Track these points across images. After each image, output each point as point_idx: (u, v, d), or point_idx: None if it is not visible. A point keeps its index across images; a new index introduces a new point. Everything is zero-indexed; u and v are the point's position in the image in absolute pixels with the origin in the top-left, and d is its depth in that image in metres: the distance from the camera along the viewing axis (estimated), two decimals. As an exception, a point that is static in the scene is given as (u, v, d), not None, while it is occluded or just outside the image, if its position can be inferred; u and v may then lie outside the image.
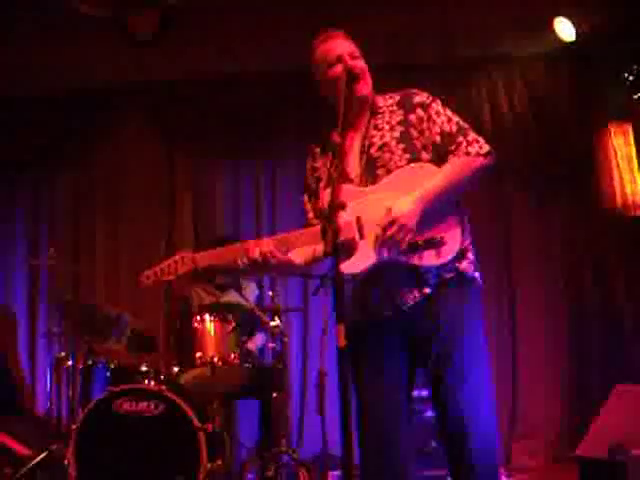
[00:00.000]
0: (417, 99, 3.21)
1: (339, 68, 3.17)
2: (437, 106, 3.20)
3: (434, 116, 3.16)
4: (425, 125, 3.15)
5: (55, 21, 6.20)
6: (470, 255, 3.11)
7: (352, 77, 3.14)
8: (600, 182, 6.28)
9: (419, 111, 3.17)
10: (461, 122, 3.18)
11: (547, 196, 6.55)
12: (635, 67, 5.80)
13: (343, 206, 2.75)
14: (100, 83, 6.84)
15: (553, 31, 6.06)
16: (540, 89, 6.55)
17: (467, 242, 3.10)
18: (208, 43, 6.46)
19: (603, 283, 6.34)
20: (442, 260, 3.00)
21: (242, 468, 5.30)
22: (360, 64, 3.19)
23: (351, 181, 3.13)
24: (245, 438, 5.56)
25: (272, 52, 6.46)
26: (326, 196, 3.06)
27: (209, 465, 4.45)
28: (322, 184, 3.27)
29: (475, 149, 3.11)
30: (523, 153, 6.48)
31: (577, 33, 5.99)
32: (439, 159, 3.11)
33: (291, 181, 6.71)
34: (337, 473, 5.73)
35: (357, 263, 2.82)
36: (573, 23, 5.97)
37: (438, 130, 3.14)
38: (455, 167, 3.08)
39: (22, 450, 5.88)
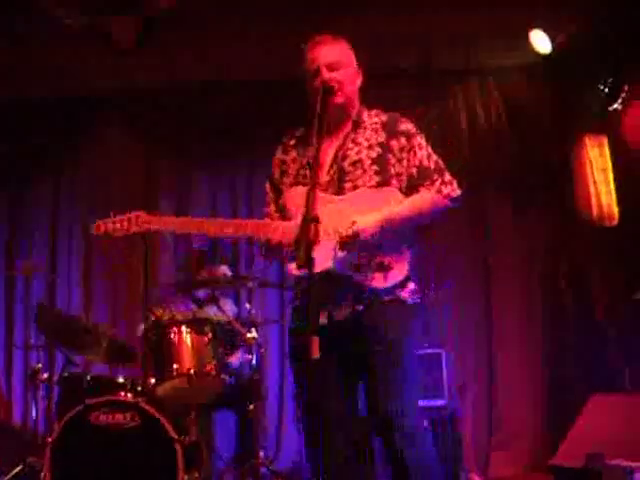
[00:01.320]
0: (402, 127, 3.26)
1: (317, 82, 3.20)
2: (421, 139, 3.26)
3: (416, 148, 3.22)
4: (405, 155, 3.21)
5: (37, 27, 6.17)
6: (411, 285, 3.18)
7: (326, 91, 3.16)
8: (576, 193, 6.32)
9: (402, 139, 3.23)
10: (439, 161, 3.26)
11: (524, 204, 6.58)
12: (610, 79, 5.84)
13: (317, 220, 2.77)
14: (83, 89, 6.79)
15: (530, 43, 6.09)
16: (517, 100, 6.60)
17: (411, 272, 3.16)
18: (189, 49, 6.46)
19: (580, 287, 6.38)
20: (386, 284, 3.08)
21: (219, 479, 5.29)
22: (338, 77, 3.21)
23: (319, 185, 3.14)
24: (222, 449, 5.54)
25: (254, 59, 6.47)
26: (292, 197, 3.12)
27: (186, 477, 4.44)
28: (287, 180, 3.32)
29: (447, 190, 3.20)
30: (501, 162, 6.52)
31: (553, 45, 6.03)
32: (408, 190, 3.19)
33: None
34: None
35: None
36: (549, 35, 6.01)
37: (417, 163, 3.20)
38: (424, 200, 3.17)
39: (-4, 462, 5.84)
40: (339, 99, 3.21)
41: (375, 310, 3.09)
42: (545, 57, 6.17)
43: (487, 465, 6.22)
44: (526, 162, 6.50)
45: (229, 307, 5.62)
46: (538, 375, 6.41)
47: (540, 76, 6.49)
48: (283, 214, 3.30)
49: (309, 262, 2.67)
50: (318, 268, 2.92)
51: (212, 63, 6.54)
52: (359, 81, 3.32)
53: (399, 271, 3.09)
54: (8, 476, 5.31)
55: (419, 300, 3.21)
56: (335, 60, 3.22)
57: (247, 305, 5.32)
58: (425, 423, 3.30)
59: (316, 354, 2.65)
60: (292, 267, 2.90)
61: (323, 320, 3.06)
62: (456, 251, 6.51)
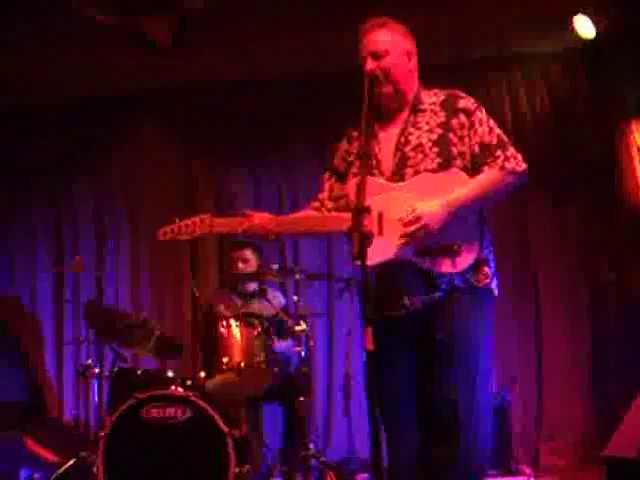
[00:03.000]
0: (462, 103, 3.18)
1: (365, 70, 3.18)
2: (481, 114, 3.17)
3: (477, 124, 3.14)
4: (466, 132, 3.13)
5: (70, 27, 6.21)
6: (486, 268, 3.11)
7: (372, 81, 3.14)
8: (621, 180, 6.23)
9: (462, 117, 3.15)
10: (502, 135, 3.16)
11: (563, 197, 6.51)
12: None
13: (368, 211, 2.77)
14: (116, 88, 6.86)
15: (571, 29, 6.02)
16: (558, 88, 6.52)
17: (485, 254, 3.10)
18: (222, 49, 6.45)
19: (620, 283, 6.30)
20: (456, 269, 3.01)
21: (268, 472, 5.31)
22: (384, 64, 3.16)
23: (382, 174, 3.14)
24: (271, 441, 5.57)
25: (288, 55, 6.46)
26: (352, 187, 3.09)
27: (237, 469, 4.45)
28: (353, 171, 3.28)
29: (511, 165, 3.10)
30: (541, 153, 6.44)
31: (597, 29, 5.95)
32: (473, 168, 3.11)
33: (309, 181, 6.74)
34: (365, 476, 5.75)
35: (371, 257, 2.75)
36: (592, 20, 5.93)
37: (478, 140, 3.12)
38: (488, 180, 3.08)
39: (50, 456, 5.93)
40: (387, 88, 3.17)
41: (446, 296, 3.04)
42: (587, 43, 6.09)
43: (537, 456, 6.19)
44: (566, 153, 6.43)
45: (278, 298, 5.63)
46: (585, 366, 6.35)
47: (581, 63, 6.42)
48: (338, 204, 3.30)
49: (362, 254, 2.67)
50: (382, 258, 2.94)
51: (244, 62, 6.53)
52: (412, 63, 3.25)
53: (469, 255, 3.01)
54: (61, 470, 5.39)
55: (493, 284, 3.13)
56: (380, 48, 3.17)
57: (295, 297, 5.32)
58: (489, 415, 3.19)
59: (371, 346, 2.64)
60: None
61: (396, 312, 3.05)
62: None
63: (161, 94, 6.94)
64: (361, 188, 2.80)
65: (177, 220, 3.32)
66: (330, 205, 3.34)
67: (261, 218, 3.23)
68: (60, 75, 6.67)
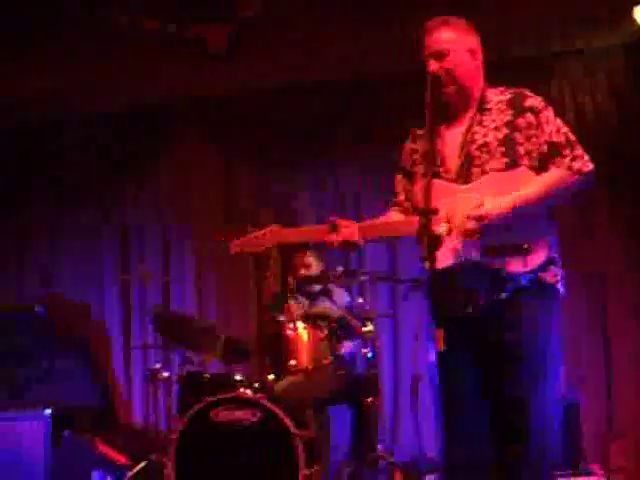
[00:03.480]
0: (529, 102, 3.14)
1: (428, 71, 3.17)
2: (548, 113, 3.12)
3: (544, 123, 3.09)
4: (533, 131, 3.08)
5: (119, 37, 6.30)
6: (554, 267, 3.06)
7: (434, 82, 3.11)
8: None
9: (529, 116, 3.10)
10: (569, 134, 3.11)
11: (628, 196, 6.41)
12: None
13: (436, 212, 2.77)
14: (162, 99, 6.99)
15: (632, 21, 5.92)
16: (620, 83, 6.43)
17: (553, 253, 3.05)
18: (269, 52, 6.50)
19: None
20: (526, 268, 2.97)
21: (337, 473, 5.32)
22: (446, 64, 3.13)
23: (447, 173, 3.12)
24: (338, 442, 5.58)
25: (333, 62, 6.48)
26: (420, 190, 3.08)
27: (306, 471, 4.47)
28: (419, 170, 3.26)
29: (578, 165, 3.05)
30: (603, 152, 6.34)
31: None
32: (540, 168, 3.06)
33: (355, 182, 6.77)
34: (433, 476, 5.72)
35: (441, 259, 2.76)
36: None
37: (546, 139, 3.07)
38: (554, 179, 3.04)
39: (121, 460, 6.03)
40: (450, 88, 3.14)
41: (515, 296, 2.99)
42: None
43: (607, 456, 6.11)
44: (627, 152, 6.33)
45: (343, 297, 5.63)
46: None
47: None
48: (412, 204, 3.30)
49: (431, 255, 2.67)
50: (451, 259, 2.94)
51: (290, 64, 6.57)
52: (477, 61, 3.20)
53: (539, 254, 2.98)
54: (132, 472, 5.48)
55: (560, 283, 3.09)
56: (441, 48, 3.14)
57: (360, 299, 5.33)
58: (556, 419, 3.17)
59: (442, 346, 2.64)
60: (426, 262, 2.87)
61: (463, 311, 3.02)
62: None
63: (206, 104, 7.05)
64: (427, 190, 2.80)
65: (248, 232, 3.33)
66: (408, 206, 3.33)
67: (347, 227, 3.18)
68: (107, 88, 6.82)
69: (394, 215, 3.37)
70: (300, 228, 3.36)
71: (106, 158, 7.21)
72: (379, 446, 5.09)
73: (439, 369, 2.97)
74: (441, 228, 2.97)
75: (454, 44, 3.16)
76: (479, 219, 2.95)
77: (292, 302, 5.58)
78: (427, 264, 2.68)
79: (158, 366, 5.54)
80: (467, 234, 2.98)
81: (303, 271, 5.56)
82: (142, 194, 7.32)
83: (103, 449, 6.09)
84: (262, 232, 3.28)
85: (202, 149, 7.20)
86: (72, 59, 6.32)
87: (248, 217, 6.75)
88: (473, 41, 3.22)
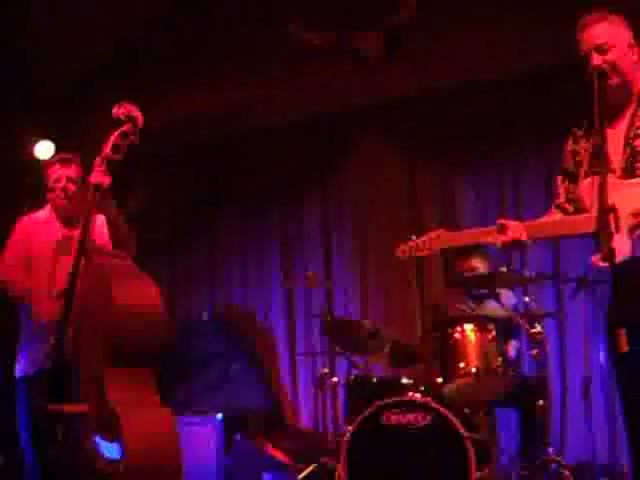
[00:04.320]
0: None
1: (590, 67, 3.13)
2: None
3: None
4: None
5: (288, 52, 6.45)
6: None
7: (600, 76, 3.07)
8: None
9: None
10: None
11: None
12: None
13: (613, 210, 2.73)
14: (336, 106, 7.07)
15: None
16: None
17: None
18: (436, 55, 6.49)
19: None
20: None
21: (505, 476, 5.26)
22: (610, 58, 3.10)
23: (612, 171, 3.07)
24: (505, 445, 5.53)
25: (502, 58, 6.40)
26: (586, 188, 3.05)
27: (478, 474, 4.44)
28: (582, 170, 3.23)
29: None
30: None
31: None
32: None
33: (533, 182, 6.66)
34: (605, 481, 5.59)
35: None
36: None
37: None
38: None
39: (289, 462, 6.17)
40: (614, 81, 3.10)
41: None
42: None
43: None
44: None
45: (510, 299, 5.58)
46: None
47: None
48: (576, 205, 3.25)
49: (610, 253, 2.64)
50: (621, 256, 2.85)
51: (460, 65, 6.53)
52: (635, 56, 3.17)
53: None
54: (302, 474, 5.61)
55: None
56: (603, 41, 3.11)
57: (526, 299, 5.26)
58: None
59: (625, 348, 2.60)
60: (596, 259, 2.84)
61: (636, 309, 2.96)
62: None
63: (383, 109, 7.09)
64: (603, 187, 2.77)
65: (414, 237, 3.38)
66: (571, 208, 3.30)
67: (515, 227, 3.19)
68: (281, 102, 7.00)
69: (555, 215, 3.34)
70: (467, 231, 3.38)
71: (283, 166, 7.46)
72: (549, 449, 5.01)
73: (620, 371, 2.91)
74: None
75: (616, 38, 3.14)
76: None
77: (458, 304, 5.59)
78: (607, 262, 2.65)
79: (326, 370, 5.64)
80: (635, 231, 2.92)
81: (469, 274, 5.54)
82: (307, 201, 7.50)
83: (272, 452, 6.26)
84: (430, 237, 3.32)
85: (380, 155, 7.30)
86: (246, 77, 6.55)
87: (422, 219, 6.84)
88: (630, 36, 3.20)
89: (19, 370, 4.33)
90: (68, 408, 3.63)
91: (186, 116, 6.92)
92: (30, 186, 5.58)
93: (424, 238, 3.35)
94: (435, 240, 3.33)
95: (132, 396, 3.57)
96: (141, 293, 3.73)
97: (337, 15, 6.18)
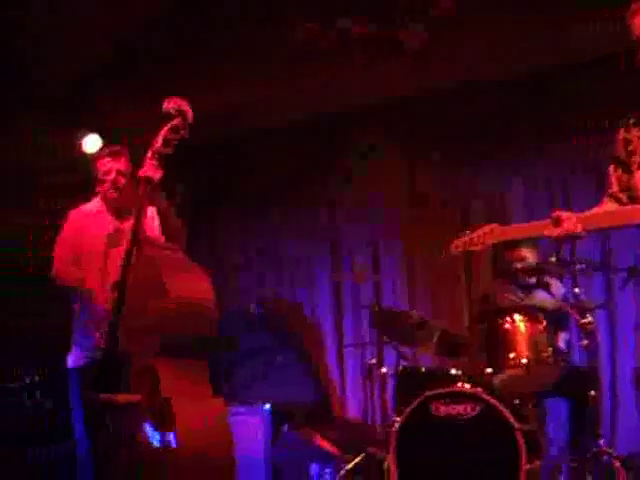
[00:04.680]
0: None
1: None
2: None
3: None
4: None
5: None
6: None
7: None
8: None
9: None
10: None
11: None
12: None
13: None
14: (337, 105, 7.11)
15: None
16: None
17: None
18: (436, 55, 6.44)
19: None
20: None
21: (554, 467, 5.23)
22: None
23: None
24: (554, 436, 5.49)
25: (502, 58, 6.40)
26: None
27: (528, 466, 4.41)
28: (636, 159, 3.20)
29: None
30: None
31: None
32: None
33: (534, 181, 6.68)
34: (658, 473, 5.52)
35: None
36: None
37: None
38: None
39: (336, 452, 6.18)
40: None
41: None
42: None
43: None
44: None
45: (559, 289, 5.54)
46: None
47: None
48: (630, 194, 3.22)
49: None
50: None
51: (460, 65, 6.53)
52: None
53: None
54: (350, 465, 5.62)
55: None
56: None
57: (576, 290, 5.21)
58: None
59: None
60: None
61: None
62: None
63: (384, 109, 7.11)
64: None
65: (468, 232, 3.38)
66: (625, 197, 3.27)
67: (569, 219, 3.18)
68: (282, 99, 7.04)
69: (609, 207, 3.31)
70: (521, 225, 3.38)
71: (311, 160, 7.43)
72: (600, 441, 4.97)
73: None
74: None
75: None
76: None
77: (507, 294, 5.55)
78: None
79: (374, 361, 5.65)
80: None
81: (518, 266, 5.48)
82: (348, 194, 7.50)
83: (320, 442, 6.27)
84: (482, 231, 3.33)
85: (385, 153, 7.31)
86: (250, 76, 6.57)
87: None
88: None
89: (72, 361, 4.38)
90: (122, 398, 3.66)
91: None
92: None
93: (478, 233, 3.36)
94: (488, 234, 3.33)
95: (184, 387, 3.61)
96: (194, 285, 3.76)
97: (380, 7, 6.14)
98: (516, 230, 3.40)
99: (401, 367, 5.36)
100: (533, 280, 5.51)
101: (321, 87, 6.84)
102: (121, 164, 4.45)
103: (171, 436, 3.49)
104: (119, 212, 4.47)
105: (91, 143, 6.84)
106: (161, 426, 3.54)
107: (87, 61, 6.77)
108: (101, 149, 4.75)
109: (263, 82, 6.68)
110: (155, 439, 3.57)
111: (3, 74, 6.41)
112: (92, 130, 6.78)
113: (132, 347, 3.72)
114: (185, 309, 3.65)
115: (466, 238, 3.40)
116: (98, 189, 4.52)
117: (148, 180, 3.85)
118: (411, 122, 7.09)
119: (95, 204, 4.56)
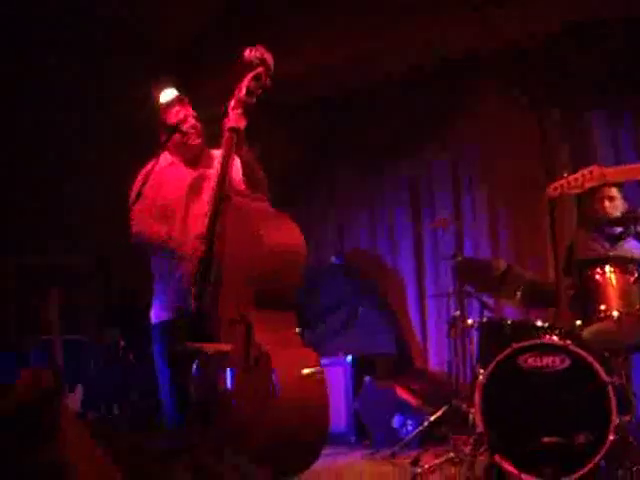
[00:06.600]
0: None
1: None
2: None
3: None
4: None
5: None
6: None
7: None
8: None
9: None
10: None
11: None
12: None
13: None
14: (457, 56, 6.98)
15: None
16: None
17: None
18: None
19: None
20: None
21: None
22: None
23: None
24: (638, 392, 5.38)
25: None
26: None
27: (618, 420, 4.33)
28: None
29: None
30: None
31: None
32: None
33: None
34: None
35: None
36: None
37: None
38: None
39: (418, 404, 6.18)
40: None
41: None
42: None
43: None
44: None
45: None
46: None
47: None
48: None
49: None
50: None
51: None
52: None
53: None
54: (435, 416, 5.64)
55: None
56: None
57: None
58: None
59: None
60: None
61: None
62: None
63: (500, 55, 6.96)
64: None
65: (566, 175, 3.28)
66: None
67: None
68: (403, 49, 6.91)
69: None
70: (622, 167, 3.25)
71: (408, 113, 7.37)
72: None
73: None
74: None
75: None
76: None
77: (592, 244, 5.40)
78: None
79: (458, 313, 5.59)
80: None
81: (607, 204, 5.29)
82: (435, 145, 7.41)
83: (402, 394, 6.27)
84: (582, 173, 3.22)
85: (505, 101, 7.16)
86: (367, 27, 6.49)
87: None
88: None
89: (154, 316, 4.36)
90: (209, 347, 3.68)
91: (302, 69, 6.88)
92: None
93: (577, 175, 3.25)
94: (588, 177, 3.22)
95: (278, 337, 3.61)
96: (286, 233, 3.75)
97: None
98: (617, 172, 3.26)
99: (485, 319, 5.29)
100: (619, 229, 5.33)
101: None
102: (190, 109, 4.30)
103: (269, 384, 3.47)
104: (193, 161, 4.32)
105: (165, 95, 6.83)
106: (257, 376, 3.53)
107: (200, 14, 6.79)
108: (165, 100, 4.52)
109: (388, 33, 6.62)
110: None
111: (118, 29, 6.49)
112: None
113: (220, 298, 3.72)
114: (280, 259, 3.63)
115: (564, 181, 3.29)
116: (174, 139, 4.26)
117: (235, 130, 3.82)
118: (531, 70, 6.94)
119: (165, 157, 4.32)
